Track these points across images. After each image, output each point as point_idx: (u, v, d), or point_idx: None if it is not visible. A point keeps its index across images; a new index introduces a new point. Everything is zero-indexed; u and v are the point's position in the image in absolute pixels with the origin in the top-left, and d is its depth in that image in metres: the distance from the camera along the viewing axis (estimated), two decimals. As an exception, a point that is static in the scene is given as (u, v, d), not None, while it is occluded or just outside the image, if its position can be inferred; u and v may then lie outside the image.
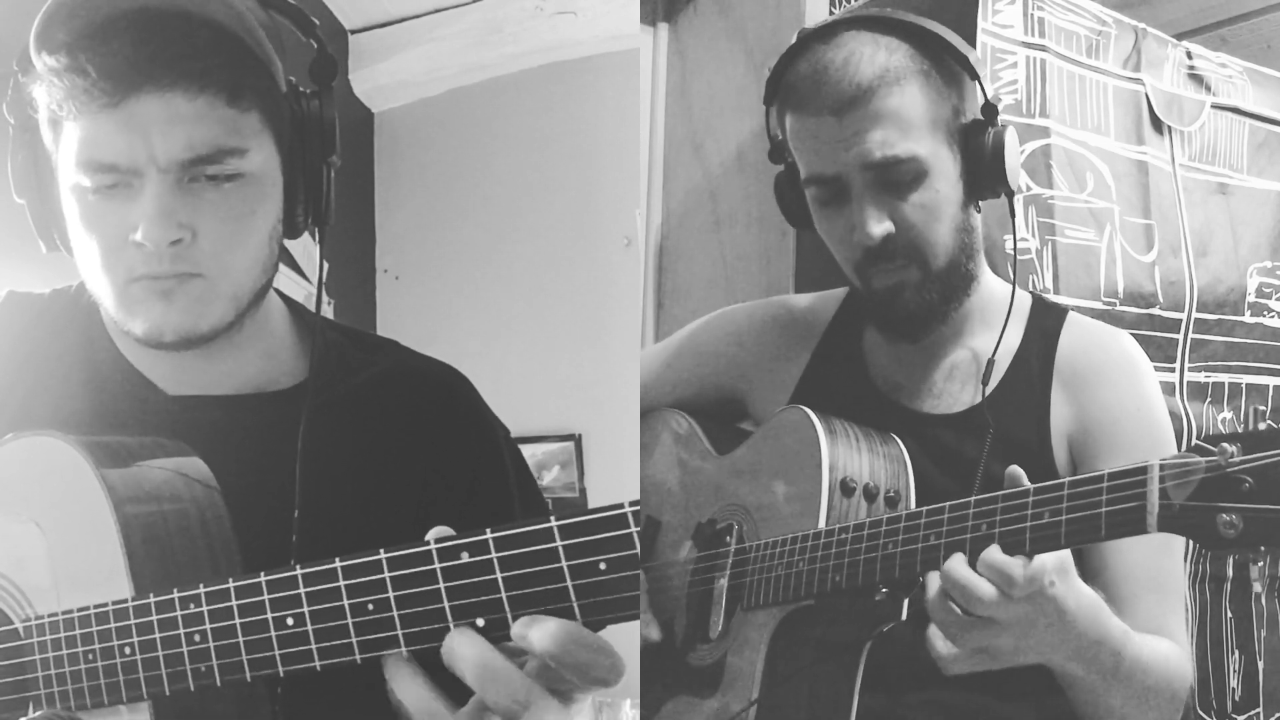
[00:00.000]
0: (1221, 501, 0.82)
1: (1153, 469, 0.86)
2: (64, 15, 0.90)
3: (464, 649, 0.71)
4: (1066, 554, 0.95)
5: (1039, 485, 0.94)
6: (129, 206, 0.93)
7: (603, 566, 0.68)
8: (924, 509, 1.03)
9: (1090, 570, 1.15)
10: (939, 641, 1.00)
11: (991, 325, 1.26)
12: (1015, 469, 0.97)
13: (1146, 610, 1.10)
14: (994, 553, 0.93)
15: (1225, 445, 0.83)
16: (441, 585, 0.73)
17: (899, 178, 1.17)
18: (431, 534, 0.73)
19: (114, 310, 0.98)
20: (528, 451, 2.74)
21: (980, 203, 1.25)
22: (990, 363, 1.23)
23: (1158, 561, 1.17)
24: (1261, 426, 0.85)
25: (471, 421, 1.12)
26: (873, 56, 1.17)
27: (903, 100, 1.16)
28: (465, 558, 0.72)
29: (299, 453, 0.98)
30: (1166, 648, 1.12)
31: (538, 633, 0.70)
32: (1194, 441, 0.85)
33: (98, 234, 0.95)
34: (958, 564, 0.96)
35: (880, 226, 1.17)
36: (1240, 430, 0.93)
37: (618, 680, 0.72)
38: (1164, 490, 0.85)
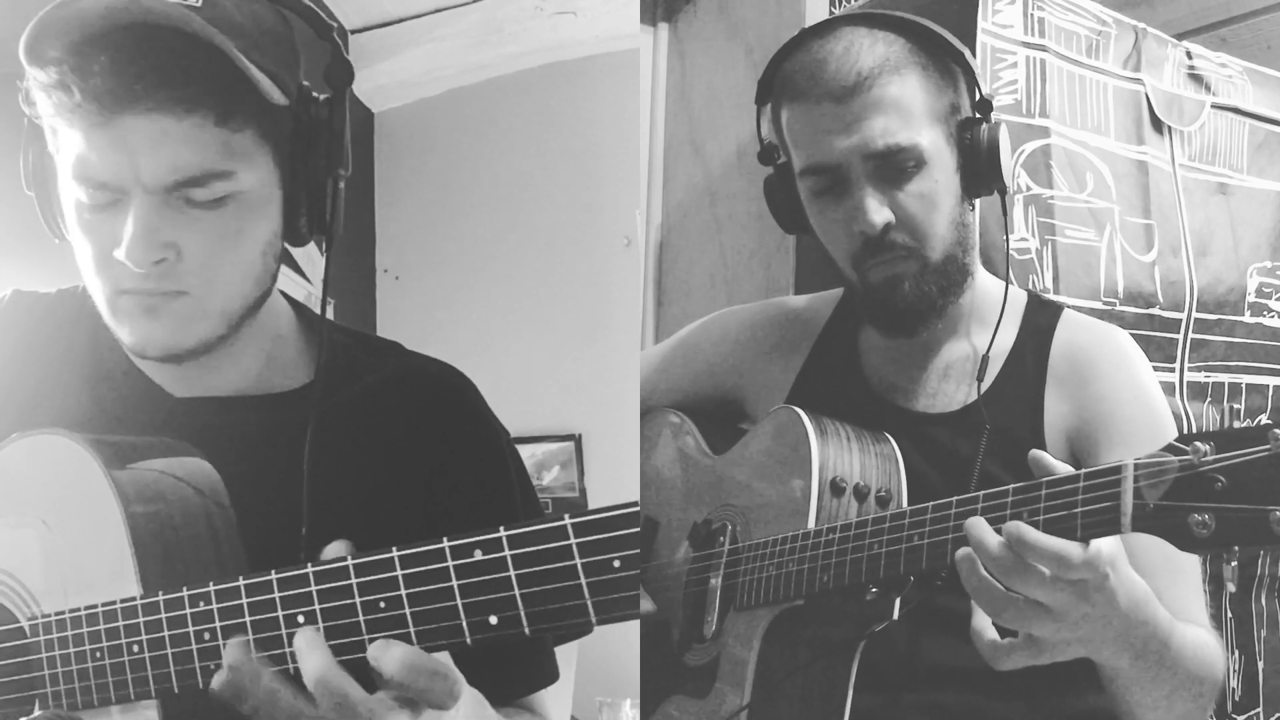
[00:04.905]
0: (1194, 501, 0.82)
1: (1127, 469, 0.86)
2: (52, 30, 0.88)
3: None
4: (1119, 545, 0.93)
5: (1018, 485, 0.93)
6: (117, 221, 0.92)
7: (616, 564, 0.69)
8: (907, 509, 1.03)
9: None
10: (986, 631, 0.97)
11: (987, 323, 1.26)
12: (1035, 453, 0.94)
13: (1164, 590, 1.05)
14: (1028, 532, 0.89)
15: (1199, 444, 0.82)
16: (454, 583, 0.73)
17: (899, 165, 1.17)
18: None
19: (105, 318, 0.98)
20: (527, 451, 2.75)
21: (977, 201, 1.25)
22: (984, 359, 1.22)
23: None
24: (1237, 425, 0.85)
25: (477, 425, 1.12)
26: (872, 47, 1.18)
27: (903, 89, 1.17)
28: (478, 555, 0.72)
29: (306, 454, 0.98)
30: (1203, 635, 1.10)
31: (388, 658, 0.75)
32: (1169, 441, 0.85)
33: (91, 244, 0.94)
34: (982, 530, 0.91)
35: (880, 214, 1.17)
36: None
37: (453, 704, 0.78)
38: (1138, 490, 0.85)
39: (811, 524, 1.14)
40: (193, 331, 0.97)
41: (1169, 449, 0.84)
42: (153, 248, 0.91)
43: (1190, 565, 1.19)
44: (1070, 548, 0.89)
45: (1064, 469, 0.92)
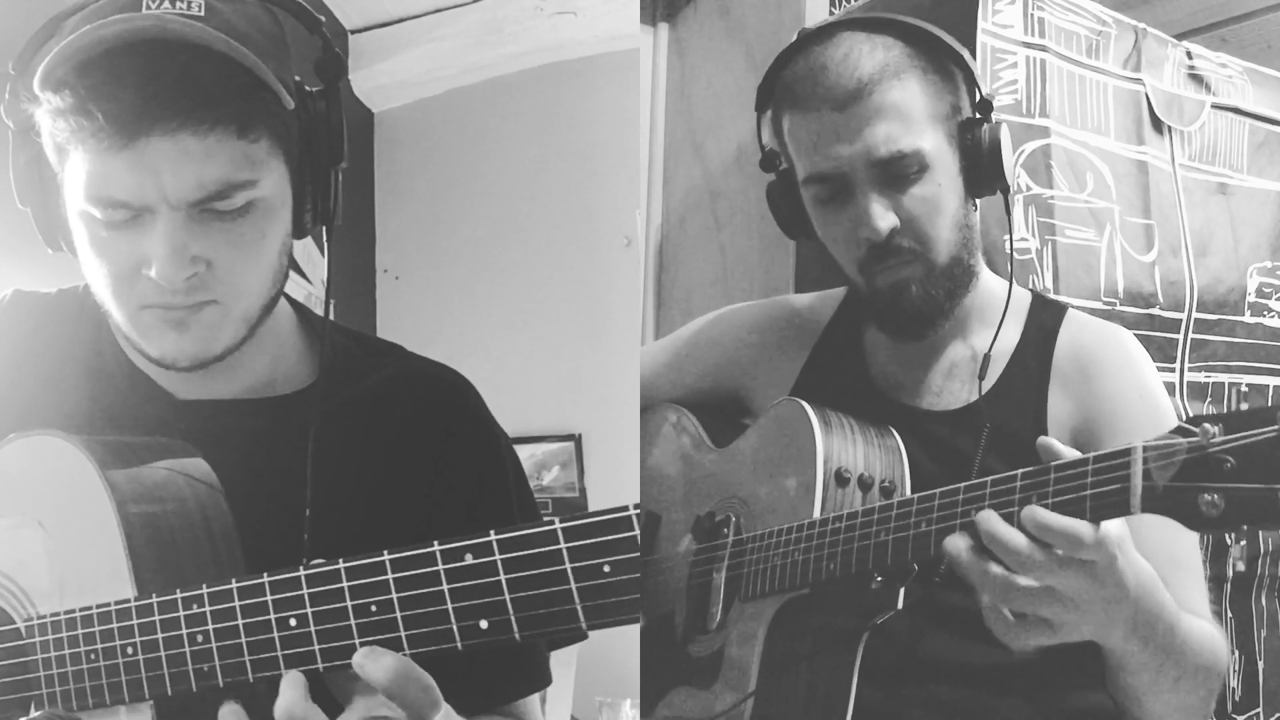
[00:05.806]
0: (1204, 482, 0.82)
1: (1136, 451, 0.86)
2: (66, 53, 0.88)
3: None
4: (1125, 528, 0.93)
5: (1026, 470, 0.94)
6: (141, 238, 0.92)
7: (607, 569, 0.69)
8: (915, 496, 1.03)
9: None
10: (997, 618, 0.97)
11: (990, 323, 1.26)
12: (1044, 440, 0.95)
13: (1168, 584, 1.06)
14: (1041, 512, 0.90)
15: (1207, 426, 0.83)
16: (445, 587, 0.73)
17: (902, 171, 1.17)
18: None
19: (127, 331, 0.98)
20: (527, 452, 2.75)
21: (978, 201, 1.25)
22: (986, 357, 1.22)
23: (1173, 537, 1.14)
24: (1243, 407, 0.85)
25: (477, 427, 1.12)
26: (871, 52, 1.17)
27: (904, 94, 1.17)
28: (469, 559, 0.72)
29: (309, 456, 0.98)
30: (1207, 626, 1.11)
31: (378, 667, 0.75)
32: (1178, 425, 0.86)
33: (108, 263, 0.94)
34: (992, 519, 0.93)
35: (885, 219, 1.17)
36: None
37: (435, 714, 0.78)
38: (1147, 471, 0.85)
39: (817, 514, 1.14)
40: (220, 339, 0.97)
41: (1178, 431, 0.85)
42: (184, 265, 0.91)
43: (1192, 559, 1.19)
44: (1083, 526, 0.90)
45: (1072, 453, 0.93)
